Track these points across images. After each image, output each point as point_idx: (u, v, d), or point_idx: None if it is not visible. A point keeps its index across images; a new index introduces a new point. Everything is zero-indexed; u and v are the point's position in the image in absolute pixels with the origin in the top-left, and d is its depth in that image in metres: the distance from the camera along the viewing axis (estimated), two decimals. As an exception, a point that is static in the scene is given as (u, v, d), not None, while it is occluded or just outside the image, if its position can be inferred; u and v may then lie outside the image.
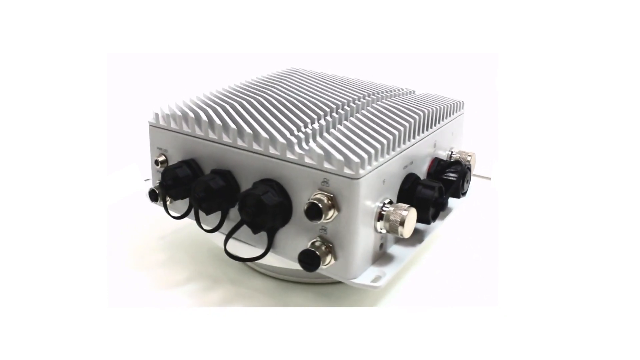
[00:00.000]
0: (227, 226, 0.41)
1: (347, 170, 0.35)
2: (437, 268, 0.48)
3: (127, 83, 0.72)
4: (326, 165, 0.35)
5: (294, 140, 0.37)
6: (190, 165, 0.42)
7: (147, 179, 0.65)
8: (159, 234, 0.53)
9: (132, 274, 0.46)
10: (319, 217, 0.35)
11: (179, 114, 0.43)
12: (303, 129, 0.40)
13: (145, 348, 0.36)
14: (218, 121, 0.40)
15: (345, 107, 0.44)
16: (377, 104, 0.46)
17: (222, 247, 0.40)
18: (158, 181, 0.44)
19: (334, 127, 0.41)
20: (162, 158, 0.44)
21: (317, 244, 0.37)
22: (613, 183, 0.41)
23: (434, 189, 0.41)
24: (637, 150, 0.41)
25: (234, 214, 0.41)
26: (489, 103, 0.64)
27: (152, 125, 0.45)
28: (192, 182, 0.40)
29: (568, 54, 0.44)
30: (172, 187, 0.42)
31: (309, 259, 0.36)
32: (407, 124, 0.41)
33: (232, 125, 0.40)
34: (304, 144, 0.37)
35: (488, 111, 0.64)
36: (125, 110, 0.69)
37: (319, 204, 0.34)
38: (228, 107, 0.43)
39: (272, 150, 0.38)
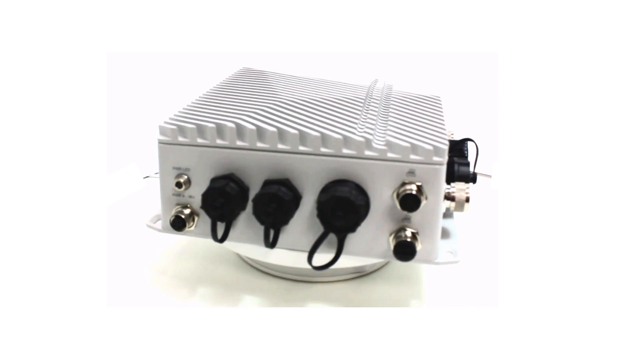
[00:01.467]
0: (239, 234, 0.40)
1: (435, 158, 0.36)
2: (437, 268, 0.48)
3: (127, 83, 0.72)
4: (412, 156, 0.36)
5: (369, 136, 0.37)
6: (234, 180, 0.38)
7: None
8: (159, 234, 0.53)
9: (132, 273, 0.46)
10: (417, 207, 0.36)
11: (211, 125, 0.38)
12: (359, 126, 0.39)
13: (145, 348, 0.36)
14: (272, 128, 0.37)
15: (368, 103, 0.45)
16: (387, 99, 0.47)
17: (220, 246, 0.40)
18: (178, 207, 0.40)
19: (379, 122, 0.41)
20: (183, 178, 0.39)
21: (405, 233, 0.37)
22: (613, 182, 0.41)
23: (468, 165, 0.42)
24: (637, 149, 0.41)
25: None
26: (489, 103, 0.64)
27: (164, 143, 0.39)
28: (240, 199, 0.38)
29: (568, 53, 0.44)
30: (223, 208, 0.38)
31: (408, 249, 0.37)
32: (441, 111, 0.44)
33: (292, 131, 0.37)
34: (378, 140, 0.37)
35: (488, 111, 0.63)
36: (125, 110, 0.69)
37: (418, 194, 0.36)
38: (257, 114, 0.40)
39: (346, 151, 0.37)
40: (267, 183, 0.38)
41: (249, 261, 0.47)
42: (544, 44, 0.45)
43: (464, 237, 0.53)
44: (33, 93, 0.41)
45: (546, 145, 0.43)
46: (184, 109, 0.42)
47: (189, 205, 0.40)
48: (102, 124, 0.45)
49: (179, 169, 0.40)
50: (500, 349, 0.36)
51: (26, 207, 0.39)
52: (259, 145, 0.38)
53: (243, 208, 0.39)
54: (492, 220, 0.54)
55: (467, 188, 0.40)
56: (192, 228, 0.40)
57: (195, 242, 0.51)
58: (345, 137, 0.37)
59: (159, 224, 0.43)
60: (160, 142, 0.39)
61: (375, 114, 0.42)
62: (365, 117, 0.41)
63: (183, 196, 0.40)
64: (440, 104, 0.47)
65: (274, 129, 0.37)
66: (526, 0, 0.47)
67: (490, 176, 0.63)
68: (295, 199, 0.37)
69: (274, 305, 0.42)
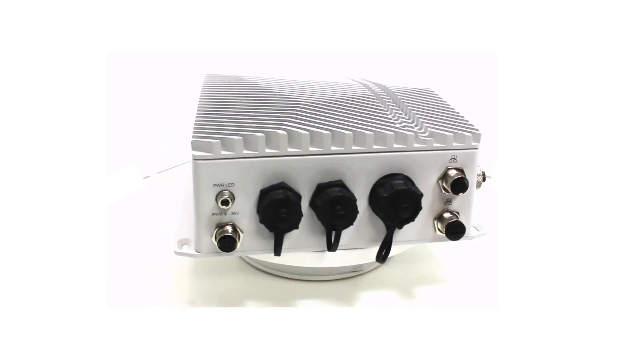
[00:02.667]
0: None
1: (473, 143, 0.39)
2: (437, 268, 0.48)
3: (127, 83, 0.72)
4: (455, 144, 0.39)
5: (414, 130, 0.39)
6: (288, 188, 0.37)
7: (147, 176, 0.65)
8: (159, 234, 0.53)
9: (132, 273, 0.46)
10: (466, 189, 0.39)
11: (259, 134, 0.36)
12: (393, 121, 0.40)
13: (145, 348, 0.36)
14: (325, 131, 0.37)
15: (380, 99, 0.46)
16: (391, 94, 0.48)
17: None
18: (219, 227, 0.38)
19: (404, 115, 0.43)
20: (228, 195, 0.37)
21: (449, 215, 0.40)
22: (613, 182, 0.41)
23: None
24: (637, 149, 0.41)
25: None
26: (489, 103, 0.64)
27: (203, 160, 0.36)
28: (295, 207, 0.37)
29: (568, 53, 0.44)
30: (290, 219, 0.37)
31: (460, 228, 0.40)
32: (445, 100, 0.47)
33: (346, 132, 0.37)
34: (421, 132, 0.40)
35: (488, 111, 0.63)
36: (125, 110, 0.69)
37: (466, 178, 0.39)
38: (292, 119, 0.39)
39: (397, 145, 0.38)
40: (322, 187, 0.38)
41: (248, 260, 0.47)
42: (544, 44, 0.45)
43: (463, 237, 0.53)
44: (33, 93, 0.41)
45: (546, 145, 0.43)
46: (198, 124, 0.39)
47: (231, 223, 0.38)
48: (102, 124, 0.45)
49: (221, 185, 0.37)
50: (500, 349, 0.36)
51: (26, 207, 0.39)
52: (312, 149, 0.37)
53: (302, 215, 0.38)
54: (492, 220, 0.54)
55: (479, 167, 0.42)
56: (238, 246, 0.38)
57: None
58: (396, 132, 0.38)
59: (189, 249, 0.39)
60: (198, 159, 0.36)
61: (396, 108, 0.44)
62: (389, 112, 0.42)
63: (225, 214, 0.38)
64: (438, 94, 0.49)
65: (328, 132, 0.37)
66: (526, 0, 0.47)
67: (490, 177, 0.63)
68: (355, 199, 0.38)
69: (273, 304, 0.42)
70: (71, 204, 0.40)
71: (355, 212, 0.38)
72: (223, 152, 0.36)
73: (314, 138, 0.37)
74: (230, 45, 0.72)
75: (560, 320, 0.36)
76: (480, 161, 0.48)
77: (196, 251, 0.39)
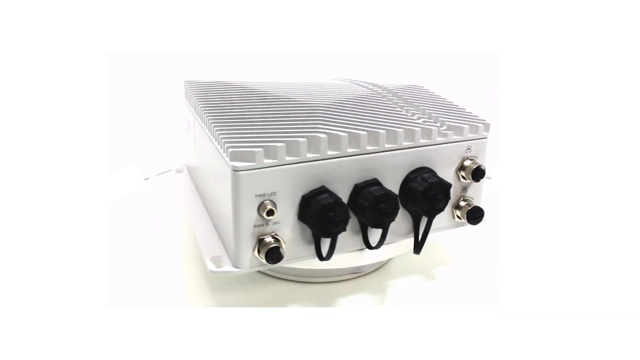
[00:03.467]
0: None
1: (484, 133, 0.43)
2: (437, 268, 0.48)
3: (127, 83, 0.72)
4: (470, 135, 0.42)
5: (434, 124, 0.41)
6: (330, 191, 0.37)
7: (147, 178, 0.65)
8: (159, 234, 0.53)
9: (132, 273, 0.46)
10: (483, 176, 0.43)
11: (302, 140, 0.36)
12: (411, 117, 0.43)
13: (145, 348, 0.36)
14: (362, 132, 0.38)
15: (386, 97, 0.48)
16: (392, 92, 0.50)
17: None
18: (268, 235, 0.36)
19: (417, 111, 0.45)
20: (271, 204, 0.36)
21: (466, 202, 0.43)
22: (613, 182, 0.41)
23: None
24: (637, 149, 0.41)
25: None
26: (489, 103, 0.64)
27: (245, 170, 0.35)
28: (344, 209, 0.37)
29: (568, 53, 0.44)
30: (341, 222, 0.36)
31: (480, 213, 0.43)
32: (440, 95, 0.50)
33: (380, 131, 0.38)
34: (440, 126, 0.42)
35: (488, 111, 0.63)
36: (126, 110, 0.69)
37: (482, 166, 0.43)
38: (322, 122, 0.39)
39: (423, 140, 0.40)
40: (360, 187, 0.38)
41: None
42: (544, 44, 0.45)
43: (464, 237, 0.53)
44: (33, 93, 0.41)
45: (546, 145, 0.43)
46: (225, 134, 0.38)
47: (273, 234, 0.37)
48: (102, 124, 0.45)
49: (263, 195, 0.36)
50: (500, 349, 0.36)
51: (26, 207, 0.39)
52: (350, 150, 0.37)
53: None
54: (492, 220, 0.54)
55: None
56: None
57: (195, 243, 0.51)
58: (422, 128, 0.40)
59: (226, 266, 0.37)
60: (239, 170, 0.34)
61: (403, 105, 0.46)
62: (401, 109, 0.45)
63: (267, 225, 0.36)
64: (430, 90, 0.53)
65: (364, 132, 0.38)
66: (526, 0, 0.47)
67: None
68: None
69: (273, 305, 0.42)
70: (71, 204, 0.40)
71: (397, 207, 0.38)
72: (266, 161, 0.35)
73: (350, 139, 0.37)
74: (230, 45, 0.72)
75: (560, 320, 0.36)
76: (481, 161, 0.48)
77: (234, 267, 0.37)
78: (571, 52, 0.44)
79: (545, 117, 0.44)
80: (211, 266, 0.37)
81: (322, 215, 0.36)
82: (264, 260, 0.36)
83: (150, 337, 0.37)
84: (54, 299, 0.37)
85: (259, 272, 0.46)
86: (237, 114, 0.42)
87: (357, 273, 0.46)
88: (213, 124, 0.40)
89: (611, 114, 0.42)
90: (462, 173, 0.42)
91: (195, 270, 0.47)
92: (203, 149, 0.45)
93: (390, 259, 0.48)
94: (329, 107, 0.43)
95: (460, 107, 0.47)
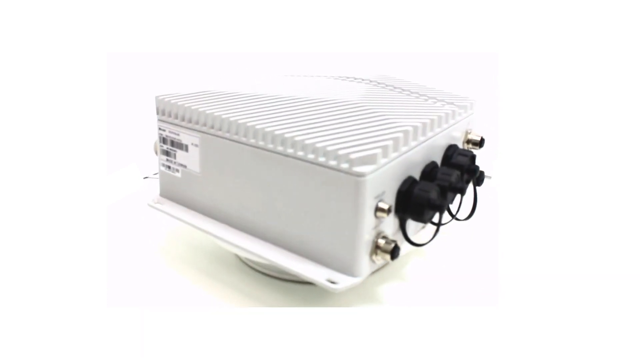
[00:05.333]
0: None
1: (472, 110, 0.49)
2: (437, 268, 0.48)
3: (127, 82, 0.72)
4: (469, 111, 0.48)
5: (452, 106, 0.46)
6: (419, 181, 0.39)
7: (146, 177, 0.65)
8: (159, 234, 0.53)
9: (132, 273, 0.46)
10: (483, 145, 0.49)
11: (399, 134, 0.36)
12: (426, 104, 0.46)
13: (145, 348, 0.36)
14: (427, 120, 0.41)
15: (392, 90, 0.51)
16: (386, 86, 0.52)
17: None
18: (379, 236, 0.36)
19: (422, 99, 0.49)
20: (385, 204, 0.35)
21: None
22: (613, 182, 0.41)
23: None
24: (637, 148, 0.41)
25: None
26: (489, 102, 0.64)
27: (371, 173, 0.34)
28: (442, 193, 0.39)
29: (568, 53, 0.44)
30: (443, 204, 0.38)
31: (484, 175, 0.46)
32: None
33: (434, 118, 0.42)
34: (452, 107, 0.46)
35: (488, 110, 0.63)
36: (126, 110, 0.69)
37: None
38: (383, 116, 0.41)
39: (451, 121, 0.45)
40: (427, 171, 0.41)
41: (249, 263, 0.47)
42: (544, 44, 0.45)
43: (464, 237, 0.53)
44: (33, 93, 0.41)
45: (546, 145, 0.43)
46: (322, 142, 0.35)
47: (382, 234, 0.37)
48: (102, 124, 0.45)
49: (377, 197, 0.35)
50: (500, 349, 0.36)
51: (26, 207, 0.39)
52: (421, 138, 0.40)
53: None
54: (492, 220, 0.54)
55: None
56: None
57: (195, 243, 0.51)
58: (452, 111, 0.45)
59: (345, 279, 0.35)
60: (365, 175, 0.33)
61: (414, 93, 0.50)
62: (418, 98, 0.48)
63: (378, 226, 0.36)
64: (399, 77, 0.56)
65: (429, 121, 0.41)
66: (526, 0, 0.47)
67: (490, 177, 0.63)
68: None
69: (274, 306, 0.42)
70: (71, 203, 0.40)
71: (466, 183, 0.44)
72: (382, 160, 0.35)
73: (423, 129, 0.40)
74: (229, 45, 0.72)
75: (560, 320, 0.36)
76: (481, 161, 0.48)
77: (355, 277, 0.36)
78: (571, 52, 0.44)
79: (545, 117, 0.44)
80: (331, 286, 0.35)
81: (429, 204, 0.37)
82: (379, 262, 0.37)
83: (150, 338, 0.37)
84: (54, 299, 0.37)
85: (259, 272, 0.46)
86: (295, 123, 0.39)
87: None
88: (289, 138, 0.37)
89: (611, 113, 0.42)
90: (470, 145, 0.48)
91: (195, 270, 0.47)
92: (251, 167, 0.40)
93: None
94: (373, 103, 0.44)
95: (442, 89, 0.52)
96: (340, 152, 0.34)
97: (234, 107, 0.42)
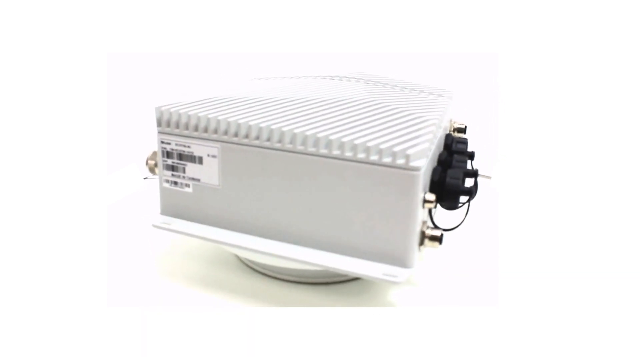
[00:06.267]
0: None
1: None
2: (437, 268, 0.48)
3: (127, 83, 0.72)
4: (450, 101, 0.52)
5: (442, 96, 0.50)
6: (444, 169, 0.41)
7: (146, 177, 0.65)
8: (159, 234, 0.53)
9: (132, 273, 0.46)
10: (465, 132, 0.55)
11: (434, 127, 0.39)
12: (419, 94, 0.49)
13: (145, 348, 0.36)
14: (443, 110, 0.45)
15: (394, 89, 0.52)
16: (385, 84, 0.53)
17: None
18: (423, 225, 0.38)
19: (412, 90, 0.51)
20: (429, 194, 0.38)
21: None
22: (613, 182, 0.41)
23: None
24: (637, 149, 0.41)
25: None
26: (489, 103, 0.64)
27: (421, 169, 0.35)
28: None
29: (568, 53, 0.44)
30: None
31: (473, 155, 0.49)
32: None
33: (444, 107, 0.45)
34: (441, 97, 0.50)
35: (488, 111, 0.63)
36: (126, 110, 0.69)
37: None
38: (405, 108, 0.43)
39: (448, 110, 0.47)
40: (441, 160, 0.43)
41: (249, 263, 0.47)
42: (544, 44, 0.45)
43: (464, 237, 0.53)
44: (33, 93, 0.41)
45: (546, 145, 0.43)
46: (373, 140, 0.36)
47: (426, 223, 0.38)
48: (102, 124, 0.45)
49: (424, 188, 0.37)
50: (500, 349, 0.35)
51: (26, 207, 0.39)
52: (441, 129, 0.43)
53: None
54: (492, 220, 0.54)
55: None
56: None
57: (195, 243, 0.51)
58: (445, 103, 0.47)
59: (401, 271, 0.36)
60: (419, 169, 0.35)
61: (405, 88, 0.52)
62: (408, 93, 0.50)
63: (423, 215, 0.38)
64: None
65: (441, 111, 0.43)
66: (526, 0, 0.47)
67: (490, 177, 0.63)
68: None
69: (274, 306, 0.42)
70: (71, 203, 0.40)
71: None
72: (429, 153, 0.36)
73: (441, 119, 0.42)
74: (229, 45, 0.72)
75: (560, 320, 0.36)
76: (481, 161, 0.48)
77: (408, 268, 0.37)
78: (571, 52, 0.44)
79: (545, 117, 0.44)
80: (392, 279, 0.36)
81: (462, 190, 0.38)
82: (423, 252, 0.38)
83: (150, 337, 0.37)
84: (54, 298, 0.37)
85: (259, 272, 0.46)
86: (329, 124, 0.39)
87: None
88: (335, 140, 0.36)
89: (611, 113, 0.42)
90: (457, 132, 0.51)
91: (195, 271, 0.47)
92: (288, 174, 0.39)
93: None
94: (378, 100, 0.44)
95: (413, 81, 0.54)
96: (395, 148, 0.35)
97: (255, 113, 0.41)
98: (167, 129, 0.42)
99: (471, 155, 0.47)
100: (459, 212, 0.47)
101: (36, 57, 0.42)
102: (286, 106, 0.42)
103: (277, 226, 0.40)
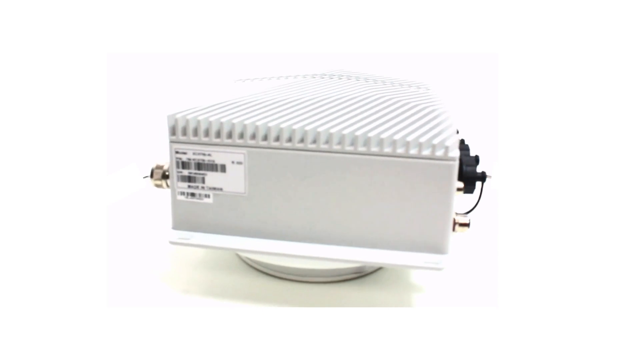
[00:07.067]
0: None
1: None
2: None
3: (127, 83, 0.72)
4: None
5: (420, 87, 0.50)
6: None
7: (146, 176, 0.65)
8: (159, 234, 0.53)
9: (132, 273, 0.46)
10: None
11: (452, 119, 0.40)
12: (409, 87, 0.50)
13: (145, 348, 0.36)
14: (442, 102, 0.45)
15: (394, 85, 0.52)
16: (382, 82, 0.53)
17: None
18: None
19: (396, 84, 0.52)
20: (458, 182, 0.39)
21: None
22: (613, 182, 0.41)
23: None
24: (636, 149, 0.41)
25: None
26: (489, 103, 0.64)
27: (456, 159, 0.37)
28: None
29: (568, 54, 0.44)
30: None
31: None
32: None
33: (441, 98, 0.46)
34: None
35: (488, 111, 0.63)
36: (125, 110, 0.69)
37: None
38: (412, 101, 0.44)
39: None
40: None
41: (249, 262, 0.47)
42: (544, 45, 0.45)
43: (464, 237, 0.53)
44: (34, 93, 0.41)
45: (546, 145, 0.43)
46: (414, 137, 0.37)
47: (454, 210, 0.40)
48: (102, 124, 0.45)
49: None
50: (500, 349, 0.36)
51: (27, 207, 0.39)
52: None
53: None
54: (492, 220, 0.54)
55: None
56: None
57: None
58: (436, 94, 0.47)
59: (441, 258, 0.38)
60: (455, 159, 0.36)
61: (389, 82, 0.51)
62: (398, 87, 0.50)
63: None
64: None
65: (442, 102, 0.44)
66: (526, 0, 0.47)
67: (490, 176, 0.63)
68: None
69: (274, 305, 0.42)
70: (71, 203, 0.40)
71: None
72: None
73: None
74: (228, 45, 0.72)
75: (560, 320, 0.36)
76: (481, 161, 0.48)
77: (444, 254, 0.38)
78: (571, 52, 0.44)
79: (545, 117, 0.44)
80: (436, 266, 0.37)
81: (477, 176, 0.39)
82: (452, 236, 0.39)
83: (150, 337, 0.37)
84: (55, 298, 0.37)
85: (260, 271, 0.46)
86: (357, 121, 0.39)
87: (359, 273, 0.46)
88: (373, 137, 0.37)
89: (610, 114, 0.42)
90: None
91: (195, 270, 0.47)
92: (324, 175, 0.38)
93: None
94: (387, 95, 0.45)
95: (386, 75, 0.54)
96: (434, 141, 0.36)
97: (279, 115, 0.39)
98: (183, 138, 0.39)
99: (476, 159, 0.45)
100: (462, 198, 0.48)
101: (37, 58, 0.42)
102: (305, 106, 0.41)
103: (311, 228, 0.39)
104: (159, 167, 0.42)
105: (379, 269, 0.47)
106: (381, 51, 0.73)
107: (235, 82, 0.51)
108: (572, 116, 0.43)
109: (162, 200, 0.60)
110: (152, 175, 0.42)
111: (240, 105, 0.41)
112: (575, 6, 0.44)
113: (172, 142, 0.39)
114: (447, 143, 0.36)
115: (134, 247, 0.50)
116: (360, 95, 0.44)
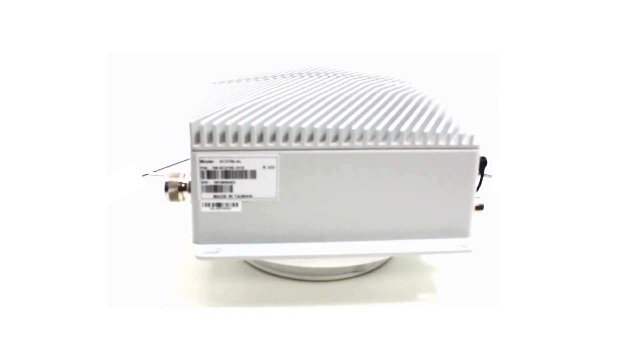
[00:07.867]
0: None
1: None
2: (437, 267, 0.48)
3: (127, 83, 0.72)
4: None
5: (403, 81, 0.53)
6: None
7: (146, 174, 0.65)
8: (159, 234, 0.53)
9: (132, 273, 0.46)
10: None
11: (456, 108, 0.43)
12: (394, 82, 0.51)
13: (145, 348, 0.36)
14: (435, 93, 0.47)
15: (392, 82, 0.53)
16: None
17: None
18: None
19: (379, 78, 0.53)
20: None
21: None
22: (613, 182, 0.41)
23: None
24: (636, 148, 0.41)
25: None
26: (489, 103, 0.64)
27: (479, 146, 0.39)
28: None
29: (568, 54, 0.44)
30: None
31: None
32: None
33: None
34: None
35: (488, 111, 0.63)
36: (126, 110, 0.69)
37: None
38: (414, 96, 0.45)
39: None
40: None
41: (250, 261, 0.47)
42: (544, 44, 0.45)
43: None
44: (34, 93, 0.41)
45: (546, 145, 0.43)
46: (442, 130, 0.38)
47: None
48: (102, 125, 0.45)
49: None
50: (500, 348, 0.36)
51: (27, 207, 0.39)
52: None
53: None
54: (492, 220, 0.54)
55: None
56: None
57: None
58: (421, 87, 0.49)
59: (467, 241, 0.41)
60: (478, 147, 0.39)
61: (372, 77, 0.52)
62: (382, 81, 0.51)
63: None
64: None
65: (435, 93, 0.46)
66: (526, 0, 0.47)
67: (490, 176, 0.63)
68: None
69: (274, 305, 0.42)
70: (71, 204, 0.40)
71: None
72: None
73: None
74: (229, 45, 0.72)
75: (560, 320, 0.36)
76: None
77: (468, 236, 0.41)
78: (571, 52, 0.44)
79: (545, 117, 0.44)
80: (466, 249, 0.41)
81: (482, 161, 0.40)
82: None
83: (150, 337, 0.37)
84: (55, 298, 0.37)
85: (260, 270, 0.46)
86: (379, 117, 0.39)
87: (358, 271, 0.46)
88: (404, 131, 0.38)
89: (610, 114, 0.42)
90: None
91: (195, 270, 0.47)
92: (358, 172, 0.38)
93: (390, 258, 0.48)
94: (391, 89, 0.47)
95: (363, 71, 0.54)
96: (461, 132, 0.38)
97: (303, 115, 0.39)
98: (209, 145, 0.37)
99: (484, 161, 0.46)
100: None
101: (37, 58, 0.42)
102: (323, 105, 0.41)
103: (343, 226, 0.40)
104: (175, 177, 0.41)
105: (378, 267, 0.47)
106: (381, 52, 0.73)
107: (220, 84, 0.50)
108: (572, 116, 0.43)
109: (162, 200, 0.60)
110: (166, 189, 0.40)
111: (261, 108, 0.39)
112: (575, 6, 0.44)
113: (195, 150, 0.37)
114: (472, 133, 0.38)
115: (134, 247, 0.50)
116: (364, 91, 0.45)
